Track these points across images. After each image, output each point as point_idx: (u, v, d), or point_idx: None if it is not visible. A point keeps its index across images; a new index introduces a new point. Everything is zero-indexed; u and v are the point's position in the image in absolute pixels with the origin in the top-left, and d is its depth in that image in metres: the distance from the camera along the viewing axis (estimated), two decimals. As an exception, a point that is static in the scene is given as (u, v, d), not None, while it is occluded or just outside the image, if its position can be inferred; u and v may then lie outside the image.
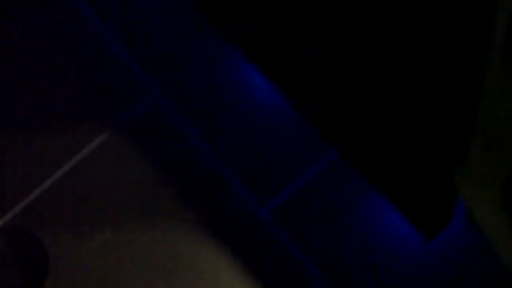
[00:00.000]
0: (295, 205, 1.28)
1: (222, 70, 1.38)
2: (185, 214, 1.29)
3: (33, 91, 1.41)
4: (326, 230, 1.26)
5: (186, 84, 1.38)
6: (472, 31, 0.86)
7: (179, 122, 1.35)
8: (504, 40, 0.95)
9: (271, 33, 1.19)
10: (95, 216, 1.31)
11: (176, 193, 1.31)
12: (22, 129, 1.38)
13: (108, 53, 1.42)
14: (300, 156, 1.31)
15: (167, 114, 1.36)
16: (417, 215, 1.15)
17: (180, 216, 1.30)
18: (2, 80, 1.42)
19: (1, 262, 1.22)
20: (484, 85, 0.98)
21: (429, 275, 1.21)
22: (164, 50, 1.40)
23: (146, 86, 1.38)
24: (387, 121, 1.07)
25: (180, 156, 1.33)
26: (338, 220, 1.27)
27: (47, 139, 1.37)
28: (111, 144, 1.35)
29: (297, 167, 1.30)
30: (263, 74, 1.29)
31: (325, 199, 1.28)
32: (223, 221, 1.29)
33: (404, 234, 1.23)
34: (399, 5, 0.90)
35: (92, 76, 1.40)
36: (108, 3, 1.45)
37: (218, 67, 1.38)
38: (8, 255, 1.21)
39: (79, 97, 1.39)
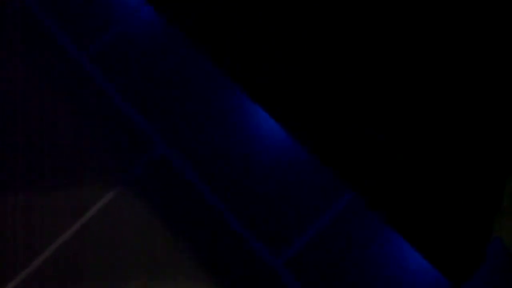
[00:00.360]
0: (309, 255, 1.25)
1: (229, 117, 1.36)
2: (195, 269, 1.26)
3: (34, 150, 1.38)
4: (344, 280, 1.21)
5: (192, 134, 1.35)
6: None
7: (186, 173, 1.33)
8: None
9: (279, 76, 1.14)
10: (101, 279, 1.28)
11: (186, 248, 1.28)
12: (24, 191, 1.35)
13: (111, 104, 1.40)
14: (312, 203, 1.28)
15: (173, 166, 1.33)
16: (444, 261, 1.08)
17: (190, 271, 1.26)
18: (2, 141, 1.40)
19: None
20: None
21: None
22: (168, 101, 1.38)
23: (151, 138, 1.36)
24: (414, 161, 1.00)
25: (189, 208, 1.30)
26: (357, 269, 1.22)
27: (54, 198, 1.34)
28: (118, 202, 1.32)
29: (310, 215, 1.27)
30: (274, 118, 1.25)
31: (341, 247, 1.23)
32: (235, 274, 1.25)
33: (431, 280, 1.17)
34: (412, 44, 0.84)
35: (97, 130, 1.38)
36: (111, 59, 1.43)
37: (225, 114, 1.36)
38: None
39: (83, 155, 1.37)
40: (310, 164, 1.30)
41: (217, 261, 1.26)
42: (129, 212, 1.31)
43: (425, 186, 1.02)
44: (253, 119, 1.35)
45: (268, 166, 1.31)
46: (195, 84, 1.39)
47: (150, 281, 1.25)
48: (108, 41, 1.45)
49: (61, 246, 1.30)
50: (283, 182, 1.29)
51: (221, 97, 1.37)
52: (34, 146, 1.38)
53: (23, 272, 1.29)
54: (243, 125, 1.34)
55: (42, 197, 1.33)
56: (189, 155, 1.33)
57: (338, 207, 1.26)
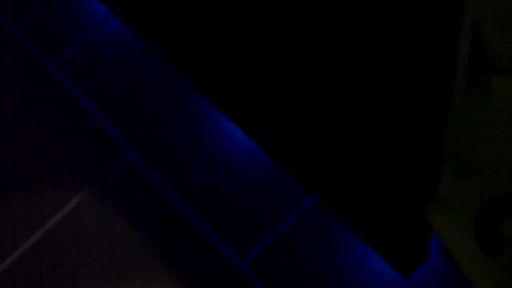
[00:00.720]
0: (273, 255, 1.28)
1: (195, 122, 1.38)
2: (162, 270, 1.28)
3: (4, 153, 1.39)
4: (306, 277, 1.25)
5: (160, 141, 1.38)
6: (436, 65, 0.85)
7: (153, 178, 1.35)
8: (465, 72, 0.93)
9: (242, 85, 1.18)
10: (68, 282, 1.30)
11: (153, 250, 1.30)
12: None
13: (79, 111, 1.42)
14: (276, 205, 1.31)
15: (141, 171, 1.35)
16: (392, 254, 1.13)
17: (157, 272, 1.29)
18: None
19: None
20: (449, 116, 0.96)
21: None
22: (137, 107, 1.41)
23: (120, 144, 1.38)
24: (355, 162, 1.05)
25: (156, 211, 1.33)
26: (318, 266, 1.26)
27: (20, 203, 1.35)
28: (87, 204, 1.34)
29: (274, 216, 1.30)
30: (238, 126, 1.29)
31: (303, 247, 1.27)
32: (201, 274, 1.28)
33: (385, 273, 1.22)
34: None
35: (65, 136, 1.40)
36: (81, 66, 1.45)
37: (191, 120, 1.38)
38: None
39: (52, 159, 1.38)
40: (275, 168, 1.33)
41: (182, 261, 1.28)
42: (95, 216, 1.33)
43: (369, 186, 1.06)
44: (219, 125, 1.37)
45: (234, 171, 1.33)
46: (164, 91, 1.41)
47: (117, 282, 1.28)
48: (78, 48, 1.46)
49: (27, 250, 1.32)
50: (248, 186, 1.32)
51: (190, 104, 1.39)
52: (1, 149, 1.40)
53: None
54: (210, 131, 1.37)
55: (8, 202, 1.35)
56: (157, 161, 1.36)
57: (301, 209, 1.29)
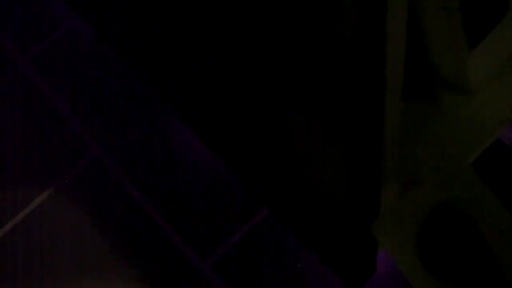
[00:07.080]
0: (235, 258, 1.28)
1: (161, 128, 1.38)
2: (126, 270, 1.29)
3: None
4: (265, 282, 1.25)
5: (127, 138, 1.38)
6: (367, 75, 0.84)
7: (119, 178, 1.35)
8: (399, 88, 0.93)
9: (200, 95, 1.18)
10: (31, 279, 1.30)
11: (118, 249, 1.30)
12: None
13: (49, 107, 1.42)
14: (238, 211, 1.30)
15: (107, 170, 1.36)
16: (340, 267, 1.12)
17: (121, 272, 1.29)
18: None
19: None
20: (386, 128, 0.95)
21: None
22: (106, 104, 1.41)
23: (87, 141, 1.39)
24: (300, 177, 1.05)
25: (122, 211, 1.33)
26: (276, 272, 1.25)
27: None
28: (53, 202, 1.34)
29: (236, 221, 1.30)
30: (198, 136, 1.29)
31: (263, 252, 1.27)
32: (165, 276, 1.28)
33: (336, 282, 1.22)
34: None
35: (33, 133, 1.41)
36: (51, 61, 1.45)
37: (157, 126, 1.38)
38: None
39: (19, 155, 1.39)
40: (236, 178, 1.33)
41: (145, 263, 1.29)
42: (61, 214, 1.33)
43: (310, 198, 1.06)
44: (183, 133, 1.38)
45: (198, 178, 1.33)
46: (134, 88, 1.41)
47: (81, 280, 1.28)
48: (49, 44, 1.46)
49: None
50: (212, 191, 1.32)
51: (155, 111, 1.40)
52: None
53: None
54: (177, 138, 1.37)
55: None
56: (123, 161, 1.36)
57: (262, 214, 1.29)
